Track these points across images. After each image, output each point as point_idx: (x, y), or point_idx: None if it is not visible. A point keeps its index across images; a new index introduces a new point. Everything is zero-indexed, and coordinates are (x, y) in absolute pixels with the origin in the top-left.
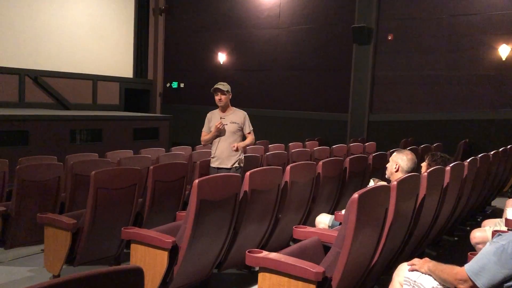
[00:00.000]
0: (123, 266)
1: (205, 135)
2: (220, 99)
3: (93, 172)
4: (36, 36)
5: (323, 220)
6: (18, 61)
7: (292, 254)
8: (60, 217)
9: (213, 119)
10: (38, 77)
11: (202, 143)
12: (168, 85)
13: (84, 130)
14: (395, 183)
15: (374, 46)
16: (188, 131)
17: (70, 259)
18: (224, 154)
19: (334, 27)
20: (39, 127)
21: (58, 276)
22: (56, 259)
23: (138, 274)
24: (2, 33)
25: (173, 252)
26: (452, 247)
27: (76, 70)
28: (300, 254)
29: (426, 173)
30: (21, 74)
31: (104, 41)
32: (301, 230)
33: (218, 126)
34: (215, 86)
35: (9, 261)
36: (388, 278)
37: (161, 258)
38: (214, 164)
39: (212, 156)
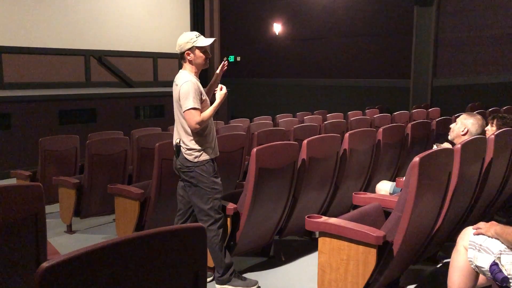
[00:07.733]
0: (186, 225)
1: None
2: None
3: (157, 144)
4: (98, 18)
5: (384, 187)
6: (83, 43)
7: (352, 219)
8: (129, 187)
9: (200, 88)
10: (102, 57)
11: (200, 126)
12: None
13: (147, 107)
14: (459, 145)
15: (438, 6)
16: (246, 104)
17: (140, 228)
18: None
19: None
20: (105, 105)
21: None
22: (127, 227)
23: (200, 233)
24: (67, 16)
25: (235, 218)
26: None
27: (137, 49)
28: (361, 219)
29: (493, 135)
30: (86, 55)
31: (161, 18)
32: (361, 196)
33: (224, 91)
34: (210, 42)
35: (84, 229)
36: (452, 245)
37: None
38: (211, 154)
39: (204, 145)
